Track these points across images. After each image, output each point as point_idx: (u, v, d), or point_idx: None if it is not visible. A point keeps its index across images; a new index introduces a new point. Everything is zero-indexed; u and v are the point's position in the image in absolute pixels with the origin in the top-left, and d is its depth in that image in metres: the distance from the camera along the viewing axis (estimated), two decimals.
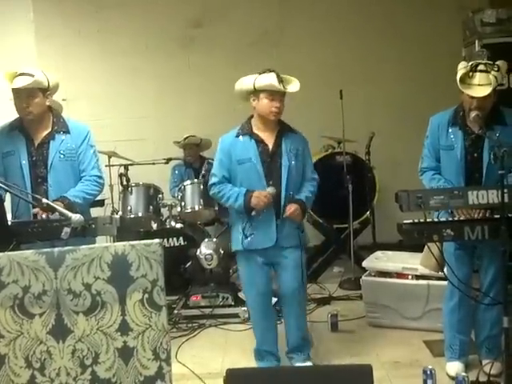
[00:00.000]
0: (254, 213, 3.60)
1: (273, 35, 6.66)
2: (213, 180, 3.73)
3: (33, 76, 3.52)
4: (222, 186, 3.69)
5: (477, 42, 5.19)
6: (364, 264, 4.80)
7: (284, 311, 3.84)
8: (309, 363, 3.80)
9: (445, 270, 3.50)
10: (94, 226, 3.29)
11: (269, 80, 3.54)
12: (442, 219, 3.39)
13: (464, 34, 5.55)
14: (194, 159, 6.21)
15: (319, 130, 5.98)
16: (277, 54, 6.29)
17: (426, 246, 3.77)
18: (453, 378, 3.46)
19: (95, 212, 4.48)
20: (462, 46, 5.50)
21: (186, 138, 6.16)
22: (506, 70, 3.48)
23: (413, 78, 6.49)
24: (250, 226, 3.65)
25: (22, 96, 3.53)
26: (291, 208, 3.60)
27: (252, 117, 3.72)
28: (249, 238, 3.64)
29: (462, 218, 3.35)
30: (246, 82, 3.64)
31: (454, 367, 3.60)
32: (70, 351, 2.44)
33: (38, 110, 3.58)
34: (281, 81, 3.57)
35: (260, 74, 3.60)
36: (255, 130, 3.68)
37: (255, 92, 3.60)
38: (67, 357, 2.44)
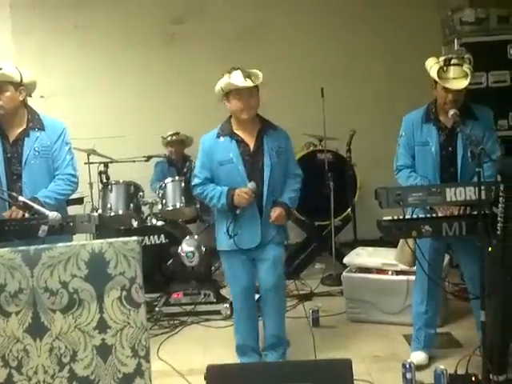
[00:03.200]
0: (238, 211, 3.60)
1: (255, 31, 6.63)
2: (195, 181, 3.73)
3: (0, 69, 3.48)
4: (205, 186, 3.69)
5: (456, 40, 5.26)
6: (345, 260, 4.84)
7: (262, 308, 3.84)
8: None
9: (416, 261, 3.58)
10: (71, 223, 3.28)
11: (232, 79, 3.51)
12: (420, 215, 3.43)
13: (443, 33, 5.61)
14: (178, 157, 6.19)
15: (300, 127, 5.98)
16: (259, 51, 6.27)
17: (400, 242, 3.82)
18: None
19: (74, 210, 4.45)
20: (441, 45, 5.55)
21: (172, 135, 6.14)
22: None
23: (393, 76, 6.53)
24: (234, 226, 3.64)
25: None
26: (276, 212, 3.61)
27: (231, 116, 3.71)
28: (234, 238, 3.64)
29: (440, 215, 3.39)
30: (217, 86, 3.61)
31: (418, 357, 3.67)
32: (47, 349, 2.42)
33: (9, 104, 3.54)
34: (248, 76, 3.52)
35: (225, 74, 3.56)
36: (235, 130, 3.66)
37: (225, 94, 3.58)
38: (44, 355, 2.42)
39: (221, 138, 3.66)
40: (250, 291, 3.80)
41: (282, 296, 3.86)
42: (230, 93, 3.56)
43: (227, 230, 3.65)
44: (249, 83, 3.51)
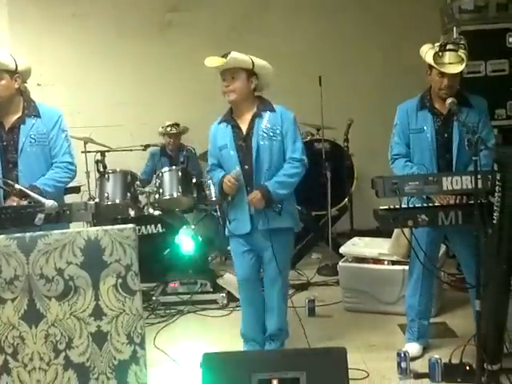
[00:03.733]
0: (229, 198, 3.61)
1: (252, 20, 6.63)
2: (208, 168, 3.82)
3: None
4: (212, 172, 3.74)
5: (455, 28, 5.23)
6: (341, 250, 4.84)
7: (265, 298, 3.78)
8: None
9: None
10: (68, 212, 3.25)
11: (212, 61, 3.46)
12: (417, 205, 3.44)
13: (442, 21, 5.58)
14: (174, 147, 6.18)
15: (298, 116, 5.89)
16: (256, 39, 6.24)
17: (394, 234, 3.82)
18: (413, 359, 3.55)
19: (71, 199, 4.45)
20: (440, 33, 5.53)
21: (171, 126, 6.12)
22: None
23: (392, 65, 6.51)
24: (231, 212, 3.66)
25: None
26: (251, 195, 3.51)
27: None
28: (231, 224, 3.66)
29: (437, 204, 3.39)
30: None
31: (411, 348, 3.67)
32: (42, 336, 2.43)
33: (4, 92, 3.52)
34: (224, 56, 3.45)
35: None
36: (234, 116, 3.64)
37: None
38: (40, 342, 2.43)
39: (221, 124, 3.66)
40: (249, 282, 3.73)
41: (282, 286, 3.74)
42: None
43: (227, 215, 3.69)
44: (215, 63, 3.43)
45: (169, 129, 6.13)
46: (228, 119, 3.64)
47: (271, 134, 3.55)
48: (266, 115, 3.58)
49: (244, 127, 3.60)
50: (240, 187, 3.54)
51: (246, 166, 3.56)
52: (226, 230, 3.72)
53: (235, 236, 3.68)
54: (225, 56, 3.46)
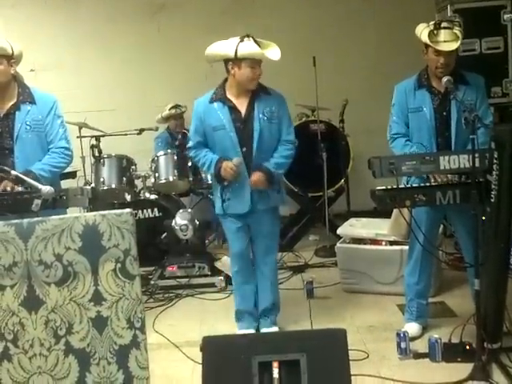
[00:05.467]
0: (225, 183, 3.64)
1: (245, 3, 6.57)
2: (189, 144, 3.78)
3: None
4: (198, 150, 3.71)
5: (449, 6, 5.19)
6: (339, 231, 4.84)
7: (256, 274, 3.88)
8: (275, 328, 3.87)
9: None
10: (65, 197, 3.26)
11: (252, 48, 3.48)
12: (414, 184, 3.44)
13: None
14: (181, 129, 6.13)
15: (293, 98, 5.85)
16: (249, 21, 6.19)
17: (393, 214, 3.83)
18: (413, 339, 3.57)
19: (67, 184, 4.42)
20: (434, 12, 5.49)
21: (172, 107, 6.08)
22: None
23: (386, 44, 6.46)
24: (227, 192, 3.68)
25: None
26: (254, 176, 3.60)
27: (226, 81, 3.66)
28: (226, 203, 3.69)
29: (433, 183, 3.38)
30: (224, 49, 3.53)
31: (411, 328, 3.68)
32: (42, 322, 2.42)
33: (2, 78, 3.49)
34: (258, 44, 3.51)
35: (240, 40, 3.49)
36: (229, 96, 3.63)
37: (236, 60, 3.50)
38: (40, 328, 2.42)
39: (214, 103, 3.63)
40: (244, 256, 3.84)
41: (275, 261, 3.92)
42: (242, 60, 3.50)
43: (221, 195, 3.70)
44: (275, 55, 3.54)
45: (173, 111, 6.09)
46: (223, 99, 3.63)
47: (270, 117, 3.63)
48: (264, 98, 3.65)
49: (242, 109, 3.61)
50: (241, 172, 3.60)
51: (245, 149, 3.61)
52: (219, 208, 3.74)
53: (229, 215, 3.72)
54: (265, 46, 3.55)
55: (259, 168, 3.61)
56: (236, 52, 3.47)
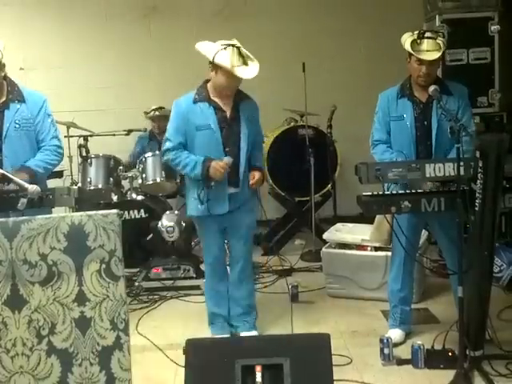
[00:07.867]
0: (212, 183, 3.59)
1: (236, 5, 6.59)
2: (167, 145, 3.65)
3: None
4: (178, 152, 3.63)
5: (437, 17, 5.24)
6: (325, 236, 4.86)
7: (231, 276, 3.89)
8: (254, 332, 3.86)
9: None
10: (51, 196, 3.25)
11: (226, 61, 3.43)
12: (394, 191, 3.46)
13: (425, 9, 5.58)
14: (161, 131, 6.12)
15: (281, 102, 5.98)
16: (240, 25, 6.20)
17: (376, 221, 3.85)
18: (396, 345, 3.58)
19: (54, 183, 4.40)
20: (423, 21, 5.54)
21: (155, 109, 6.06)
22: None
23: (374, 52, 6.50)
24: (205, 193, 3.64)
25: None
26: (256, 176, 3.69)
27: (208, 81, 3.66)
28: (205, 205, 3.65)
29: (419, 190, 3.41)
30: (207, 51, 3.51)
31: (394, 334, 3.70)
32: (25, 322, 2.42)
33: None
34: (241, 56, 3.47)
35: (223, 48, 3.45)
36: (213, 97, 3.63)
37: (214, 65, 3.50)
38: (23, 327, 2.42)
39: (198, 103, 3.62)
40: (220, 260, 3.86)
41: (251, 263, 3.95)
42: (219, 67, 3.49)
43: (198, 196, 3.64)
44: (248, 74, 3.48)
45: (152, 113, 6.08)
46: (207, 100, 3.62)
47: (251, 120, 3.72)
48: (246, 102, 3.72)
49: (227, 110, 3.64)
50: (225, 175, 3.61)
51: (228, 149, 3.62)
52: (195, 210, 3.70)
53: (209, 216, 3.70)
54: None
55: (256, 168, 3.74)
56: (214, 58, 3.47)
